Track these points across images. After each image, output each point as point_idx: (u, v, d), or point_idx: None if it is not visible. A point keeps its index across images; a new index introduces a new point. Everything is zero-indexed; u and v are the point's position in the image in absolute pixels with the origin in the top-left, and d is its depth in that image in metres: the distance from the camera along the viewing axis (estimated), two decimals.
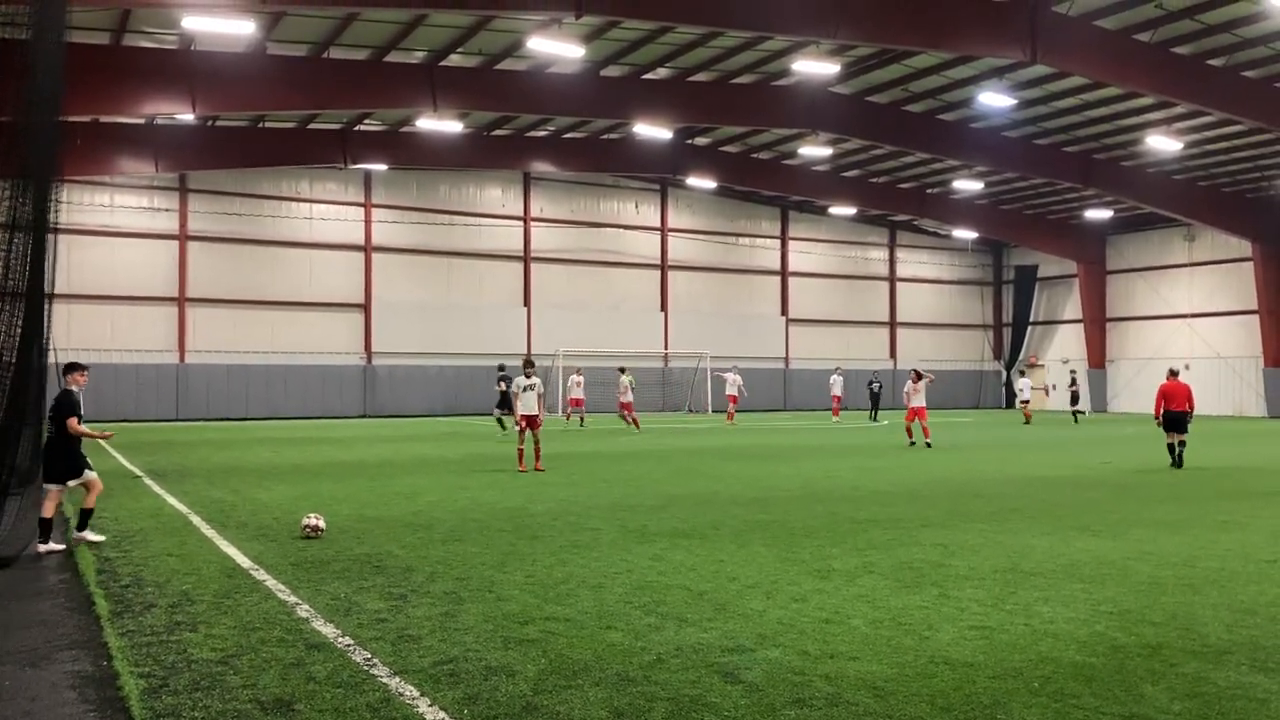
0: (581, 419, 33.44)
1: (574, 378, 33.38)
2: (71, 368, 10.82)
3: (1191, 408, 19.06)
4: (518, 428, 17.91)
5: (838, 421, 37.07)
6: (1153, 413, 19.42)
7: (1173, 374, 19.77)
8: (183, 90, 27.67)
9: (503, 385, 27.32)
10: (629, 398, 30.73)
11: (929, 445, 23.51)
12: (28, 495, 10.80)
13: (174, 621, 6.85)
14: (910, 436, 24.42)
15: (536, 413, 17.66)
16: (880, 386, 40.70)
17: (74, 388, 10.54)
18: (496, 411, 28.67)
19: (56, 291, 10.28)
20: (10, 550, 8.97)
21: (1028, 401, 37.63)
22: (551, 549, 9.65)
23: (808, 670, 5.76)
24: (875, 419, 38.89)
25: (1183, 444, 18.73)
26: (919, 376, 24.66)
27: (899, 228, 53.42)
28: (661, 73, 32.03)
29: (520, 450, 17.77)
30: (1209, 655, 6.09)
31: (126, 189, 37.31)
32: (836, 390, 38.64)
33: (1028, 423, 35.76)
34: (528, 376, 17.75)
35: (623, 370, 32.16)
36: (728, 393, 35.80)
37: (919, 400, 24.25)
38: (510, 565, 8.83)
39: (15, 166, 9.41)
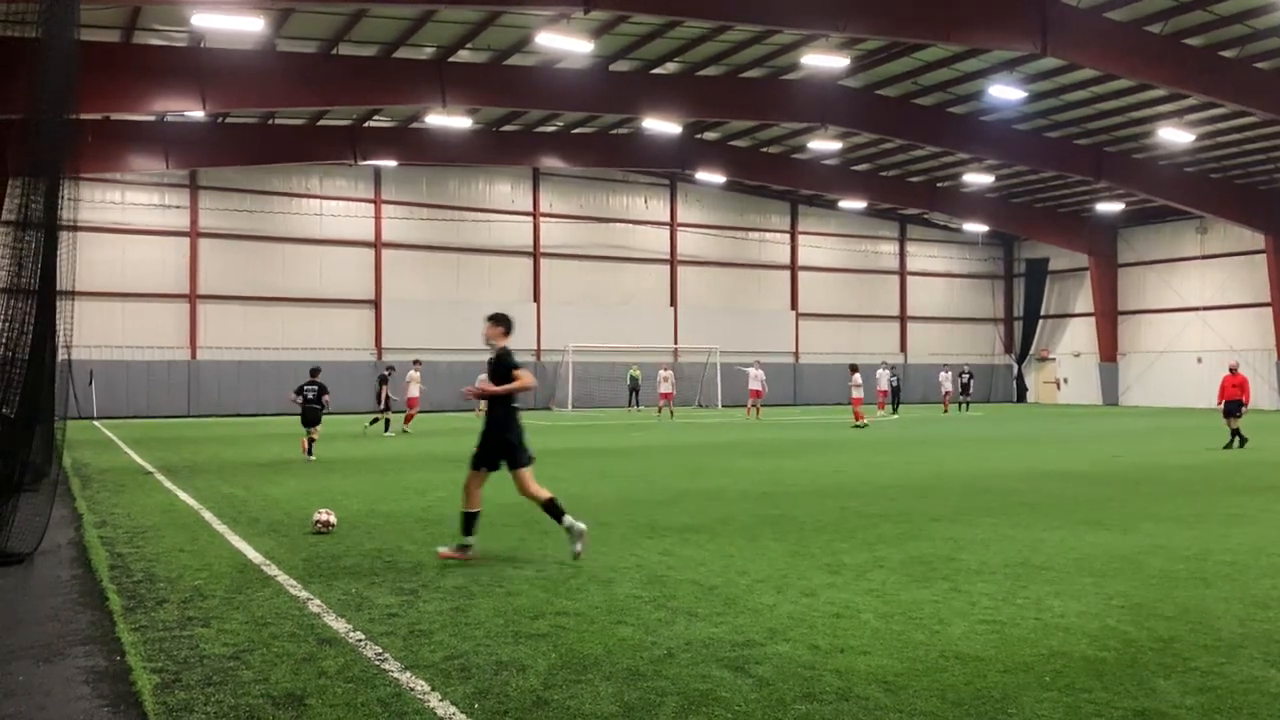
0: (671, 411, 35.77)
1: (661, 373, 36.26)
2: (316, 370, 20.23)
3: (1233, 398, 22.06)
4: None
5: (885, 415, 37.37)
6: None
7: (1230, 370, 22.88)
8: (193, 87, 27.76)
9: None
10: (668, 388, 36.04)
11: (855, 427, 28.79)
12: (42, 491, 10.87)
13: (186, 617, 6.88)
14: (859, 419, 29.81)
15: None
16: (898, 380, 40.94)
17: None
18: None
19: (68, 288, 10.35)
20: (25, 546, 9.01)
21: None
22: (561, 544, 9.65)
23: (818, 665, 5.76)
24: (895, 412, 39.52)
25: (1233, 431, 21.83)
26: (854, 370, 30.84)
27: (909, 221, 53.29)
28: (670, 68, 31.99)
29: None
30: (1221, 649, 6.06)
31: (137, 186, 37.48)
32: (882, 385, 38.78)
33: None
34: None
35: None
36: (751, 387, 35.90)
37: (858, 392, 30.38)
38: (520, 560, 8.84)
39: (28, 164, 9.45)
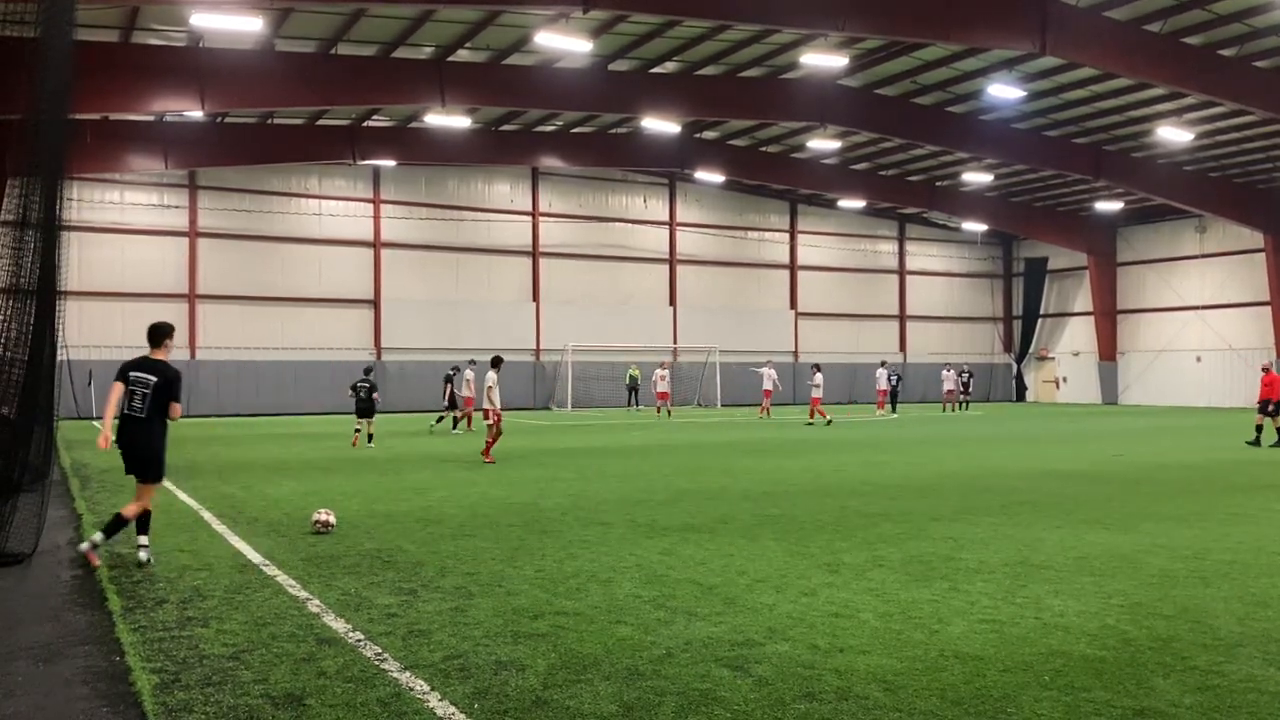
0: (669, 411, 35.84)
1: (658, 372, 36.25)
2: (369, 369, 23.47)
3: (1265, 396, 22.69)
4: (487, 422, 18.49)
5: (884, 414, 37.34)
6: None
7: (1263, 369, 23.58)
8: (192, 87, 27.73)
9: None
10: (664, 387, 35.65)
11: (810, 424, 30.05)
12: (41, 492, 10.86)
13: (185, 617, 6.88)
14: (815, 418, 30.69)
15: (500, 406, 18.54)
16: (898, 380, 41.09)
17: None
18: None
19: (68, 289, 10.35)
20: (24, 546, 9.00)
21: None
22: (561, 543, 9.67)
23: (817, 664, 5.76)
24: (894, 411, 39.77)
25: (1258, 428, 22.50)
26: (816, 369, 31.98)
27: (908, 221, 53.27)
28: (669, 67, 31.97)
29: (490, 442, 18.31)
30: (1221, 648, 6.07)
31: (136, 186, 37.44)
32: (882, 384, 38.91)
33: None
34: (498, 372, 18.55)
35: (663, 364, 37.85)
36: (764, 387, 35.65)
37: (817, 392, 31.13)
38: (520, 560, 8.85)
39: (26, 164, 9.45)
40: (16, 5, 9.25)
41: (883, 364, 40.38)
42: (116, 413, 8.73)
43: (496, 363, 18.80)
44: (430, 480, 15.25)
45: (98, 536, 8.58)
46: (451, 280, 42.75)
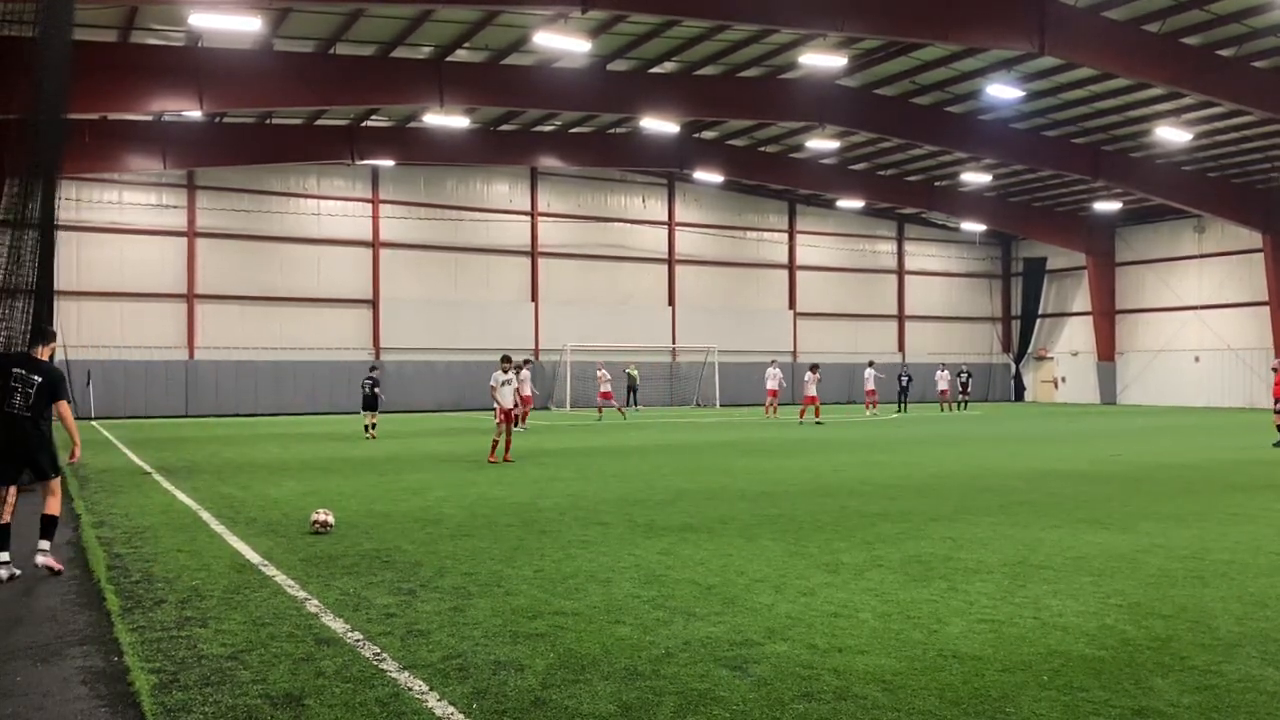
0: (616, 409, 35.73)
1: (599, 373, 35.85)
2: (375, 367, 27.04)
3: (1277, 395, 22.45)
4: (497, 421, 18.44)
5: (873, 414, 37.26)
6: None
7: (1273, 369, 23.56)
8: (190, 87, 27.72)
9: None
10: (606, 388, 34.73)
11: (819, 423, 30.37)
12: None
13: (184, 617, 6.88)
14: (801, 418, 31.42)
15: (511, 406, 18.48)
16: (910, 380, 41.23)
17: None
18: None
19: (67, 288, 10.38)
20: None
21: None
22: (560, 543, 9.66)
23: (816, 664, 5.76)
24: (905, 410, 40.13)
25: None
26: (814, 369, 32.29)
27: (907, 221, 53.29)
28: (668, 67, 31.97)
29: (495, 442, 18.27)
30: (1219, 648, 6.07)
31: (135, 186, 37.43)
32: (870, 384, 38.81)
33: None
34: (504, 372, 18.46)
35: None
36: (769, 387, 35.41)
37: (812, 390, 31.59)
38: (519, 560, 8.84)
39: (23, 164, 9.45)
40: (16, 5, 9.25)
41: (870, 364, 40.20)
42: None
43: (504, 362, 18.71)
44: (429, 480, 15.25)
45: (44, 544, 8.45)
46: (450, 280, 42.75)
